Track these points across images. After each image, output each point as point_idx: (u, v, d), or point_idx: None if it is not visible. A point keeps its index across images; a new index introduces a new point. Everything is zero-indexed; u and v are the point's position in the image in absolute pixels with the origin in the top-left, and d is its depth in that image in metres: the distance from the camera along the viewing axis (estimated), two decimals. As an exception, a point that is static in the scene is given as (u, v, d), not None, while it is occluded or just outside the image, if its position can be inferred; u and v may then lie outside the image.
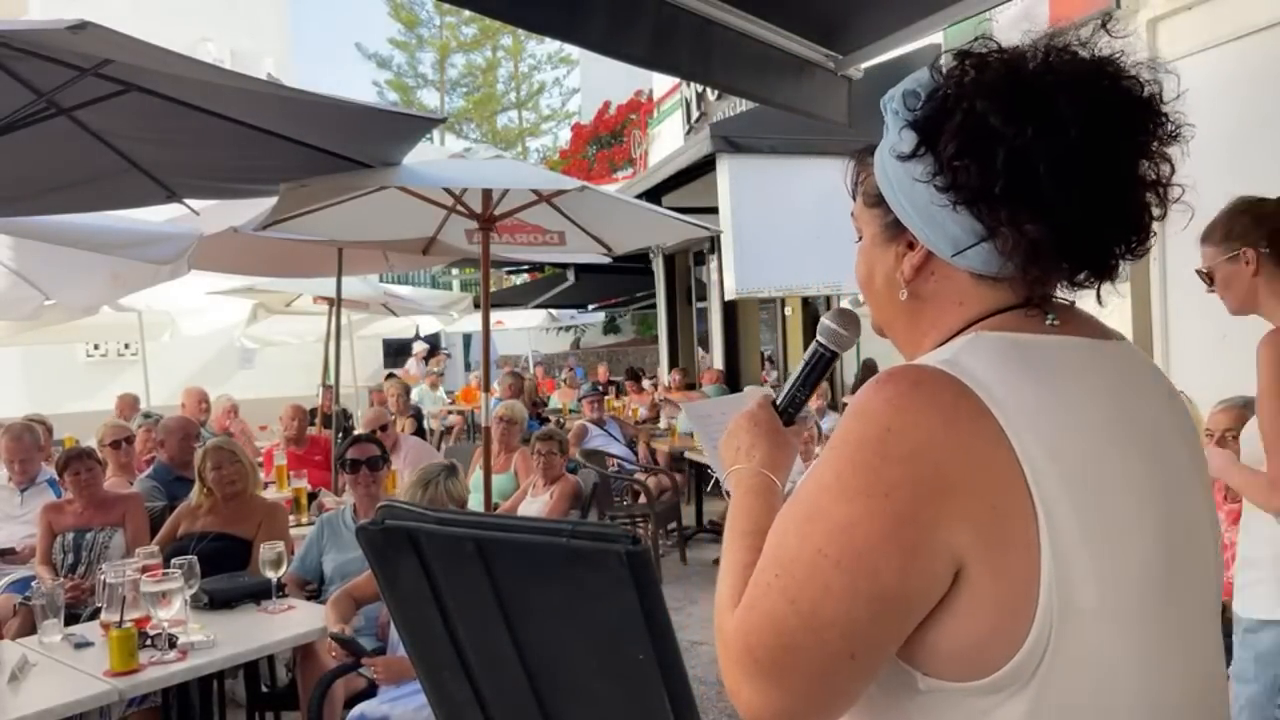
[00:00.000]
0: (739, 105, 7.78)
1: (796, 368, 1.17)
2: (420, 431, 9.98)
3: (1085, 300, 0.98)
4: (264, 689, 3.46)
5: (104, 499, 4.13)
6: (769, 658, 0.86)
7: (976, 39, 0.94)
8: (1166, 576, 0.88)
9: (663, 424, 9.03)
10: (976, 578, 0.82)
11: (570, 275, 12.93)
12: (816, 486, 0.88)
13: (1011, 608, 0.82)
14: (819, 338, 1.17)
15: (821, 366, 1.17)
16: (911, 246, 0.96)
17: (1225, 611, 2.20)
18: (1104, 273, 0.92)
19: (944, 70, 0.93)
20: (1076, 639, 0.82)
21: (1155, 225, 0.92)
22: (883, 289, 1.00)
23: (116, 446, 5.23)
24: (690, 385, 10.76)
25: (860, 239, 1.04)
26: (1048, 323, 0.93)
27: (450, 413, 13.04)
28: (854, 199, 1.04)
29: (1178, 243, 3.93)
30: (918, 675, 0.87)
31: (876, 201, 0.98)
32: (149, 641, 2.67)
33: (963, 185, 0.87)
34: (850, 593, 0.83)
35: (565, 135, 26.32)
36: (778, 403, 1.15)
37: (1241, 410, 2.85)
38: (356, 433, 5.68)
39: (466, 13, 27.25)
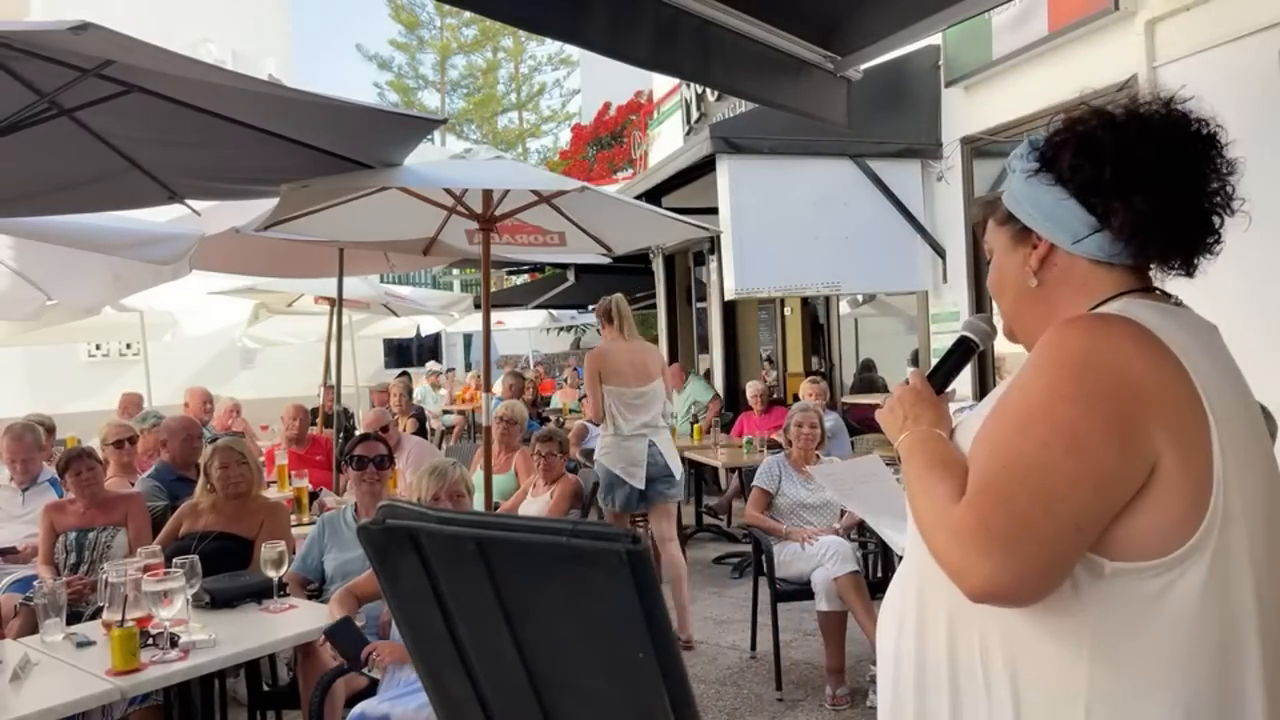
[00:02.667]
0: (738, 106, 7.79)
1: (943, 353, 1.41)
2: (421, 431, 9.99)
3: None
4: (265, 688, 3.47)
5: (106, 498, 4.14)
6: (1006, 531, 1.02)
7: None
8: (1273, 498, 1.12)
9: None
10: (1169, 470, 1.03)
11: (570, 275, 12.92)
12: (1025, 400, 1.09)
13: (1193, 497, 1.04)
14: (964, 331, 1.41)
15: (965, 353, 1.40)
16: (1034, 246, 1.22)
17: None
18: (1191, 254, 1.17)
19: (1053, 126, 1.21)
20: (1231, 530, 1.05)
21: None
22: (1012, 284, 1.26)
23: (119, 446, 5.23)
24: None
25: (991, 261, 1.30)
26: (1172, 303, 1.19)
27: (450, 412, 13.04)
28: (988, 247, 1.32)
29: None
30: (1105, 562, 1.05)
31: (1006, 219, 1.26)
32: (151, 640, 2.68)
33: (1079, 180, 1.15)
34: (1075, 474, 1.02)
35: (565, 136, 26.29)
36: (933, 380, 1.35)
37: None
38: (360, 432, 5.68)
39: (467, 14, 27.25)
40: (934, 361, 1.43)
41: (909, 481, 1.20)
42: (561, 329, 19.19)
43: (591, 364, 5.25)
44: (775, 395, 8.27)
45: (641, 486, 5.00)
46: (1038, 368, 1.11)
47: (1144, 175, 1.13)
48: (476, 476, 4.72)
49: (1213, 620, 1.05)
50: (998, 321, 1.39)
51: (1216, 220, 1.16)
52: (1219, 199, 1.15)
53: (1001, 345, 6.48)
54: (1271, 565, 1.09)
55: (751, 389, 7.89)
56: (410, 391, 10.84)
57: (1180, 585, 1.04)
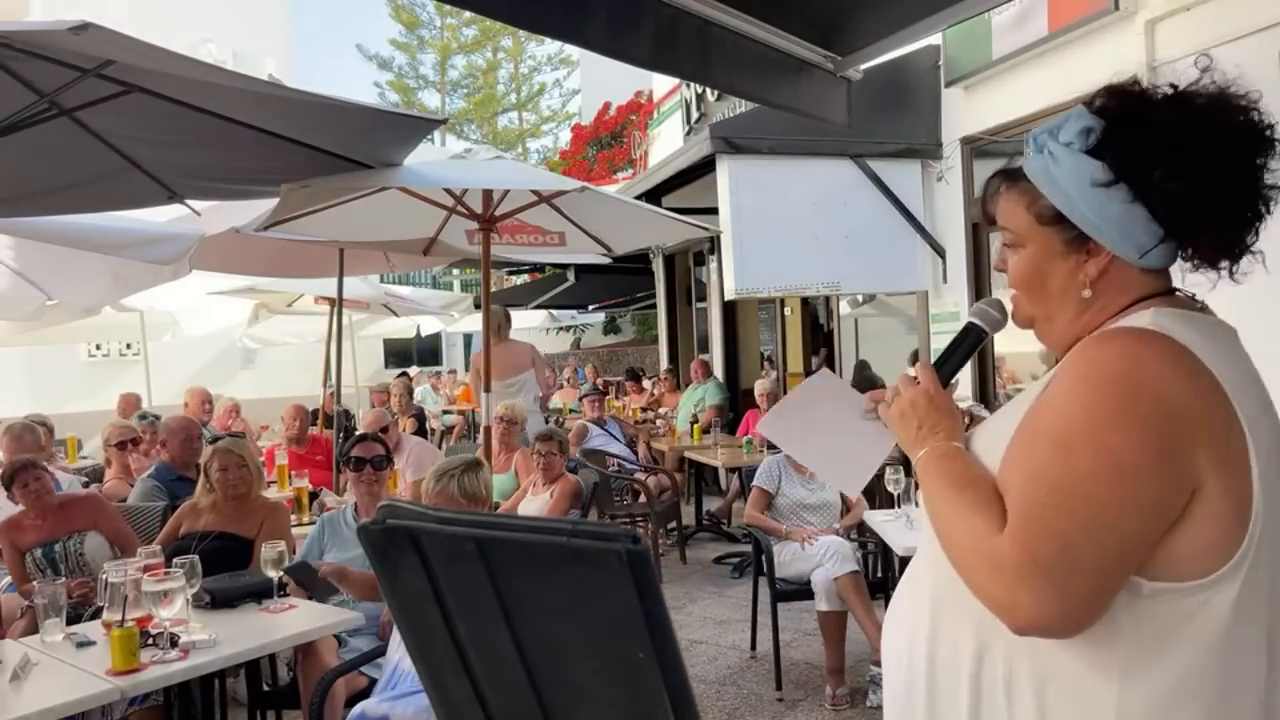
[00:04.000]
0: (738, 106, 7.78)
1: (950, 341, 1.35)
2: (421, 432, 9.99)
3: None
4: (265, 688, 3.46)
5: (61, 504, 3.97)
6: (1052, 562, 1.00)
7: (1129, 81, 1.16)
8: None
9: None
10: (1210, 493, 1.02)
11: (570, 275, 12.92)
12: (1063, 422, 1.05)
13: (1235, 517, 1.02)
14: (972, 318, 1.34)
15: (973, 342, 1.34)
16: (1089, 254, 1.15)
17: None
18: (1240, 260, 1.15)
19: (1107, 108, 1.13)
20: (1264, 547, 1.03)
21: None
22: (1058, 290, 1.19)
23: (122, 447, 5.23)
24: (679, 386, 10.77)
25: (1012, 248, 1.22)
26: (1198, 308, 1.16)
27: (450, 412, 13.04)
28: (992, 216, 1.25)
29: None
30: (1144, 582, 1.03)
31: (1053, 220, 1.16)
32: (150, 640, 2.67)
33: (1166, 201, 1.08)
34: (1120, 501, 1.00)
35: (565, 136, 26.30)
36: (940, 371, 1.30)
37: None
38: (360, 432, 5.68)
39: (467, 14, 27.24)
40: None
41: (931, 501, 1.17)
42: (561, 329, 19.19)
43: (475, 361, 6.73)
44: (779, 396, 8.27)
45: None
46: (1073, 389, 1.07)
47: (1235, 198, 1.10)
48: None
49: (1250, 635, 1.04)
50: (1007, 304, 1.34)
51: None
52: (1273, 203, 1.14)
53: (1001, 346, 6.46)
54: None
55: (760, 387, 7.89)
56: (411, 392, 10.84)
57: (1215, 603, 1.03)
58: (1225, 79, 1.12)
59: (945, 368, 1.32)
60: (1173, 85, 1.13)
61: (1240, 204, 1.10)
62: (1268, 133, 1.11)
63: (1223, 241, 1.13)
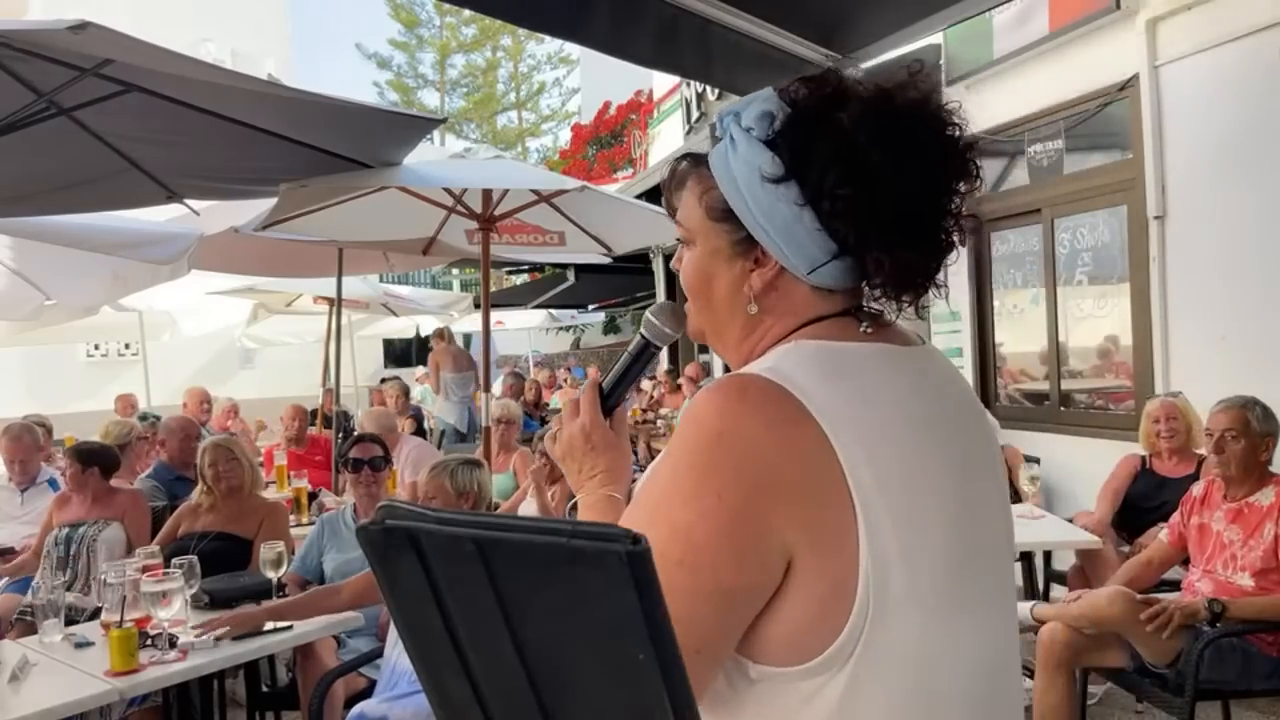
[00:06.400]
0: (739, 105, 7.78)
1: (622, 357, 1.18)
2: (420, 432, 9.98)
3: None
4: (264, 689, 3.46)
5: (108, 492, 4.10)
6: None
7: (825, 71, 1.00)
8: (965, 564, 0.94)
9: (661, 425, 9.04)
10: (804, 569, 0.87)
11: (570, 275, 12.93)
12: (656, 491, 0.93)
13: (834, 596, 0.87)
14: (642, 331, 1.18)
15: (645, 359, 1.18)
16: (758, 262, 1.00)
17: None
18: (923, 294, 1.00)
19: (797, 97, 0.96)
20: (887, 623, 0.88)
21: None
22: (724, 300, 1.04)
23: (139, 440, 5.22)
24: (679, 387, 10.77)
25: (686, 245, 1.07)
26: (862, 329, 0.99)
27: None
28: (673, 207, 1.08)
29: (1178, 244, 3.94)
30: (749, 664, 0.91)
31: (723, 216, 1.00)
32: (149, 641, 2.67)
33: (846, 212, 0.92)
34: (691, 590, 0.86)
35: (565, 135, 26.33)
36: (604, 387, 1.16)
37: (1240, 410, 2.95)
38: (359, 432, 5.68)
39: (466, 13, 27.28)
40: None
41: None
42: (561, 329, 19.17)
43: (434, 359, 9.35)
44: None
45: (465, 430, 8.41)
46: (671, 451, 0.93)
47: (916, 220, 0.94)
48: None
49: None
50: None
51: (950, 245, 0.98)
52: (955, 223, 0.98)
53: (1004, 345, 6.41)
54: (964, 641, 0.94)
55: None
56: (406, 392, 10.82)
57: (831, 687, 0.88)
58: (931, 85, 0.96)
59: (614, 393, 1.15)
60: (879, 84, 0.96)
61: (922, 228, 0.95)
62: (966, 154, 0.96)
63: (899, 268, 0.95)
